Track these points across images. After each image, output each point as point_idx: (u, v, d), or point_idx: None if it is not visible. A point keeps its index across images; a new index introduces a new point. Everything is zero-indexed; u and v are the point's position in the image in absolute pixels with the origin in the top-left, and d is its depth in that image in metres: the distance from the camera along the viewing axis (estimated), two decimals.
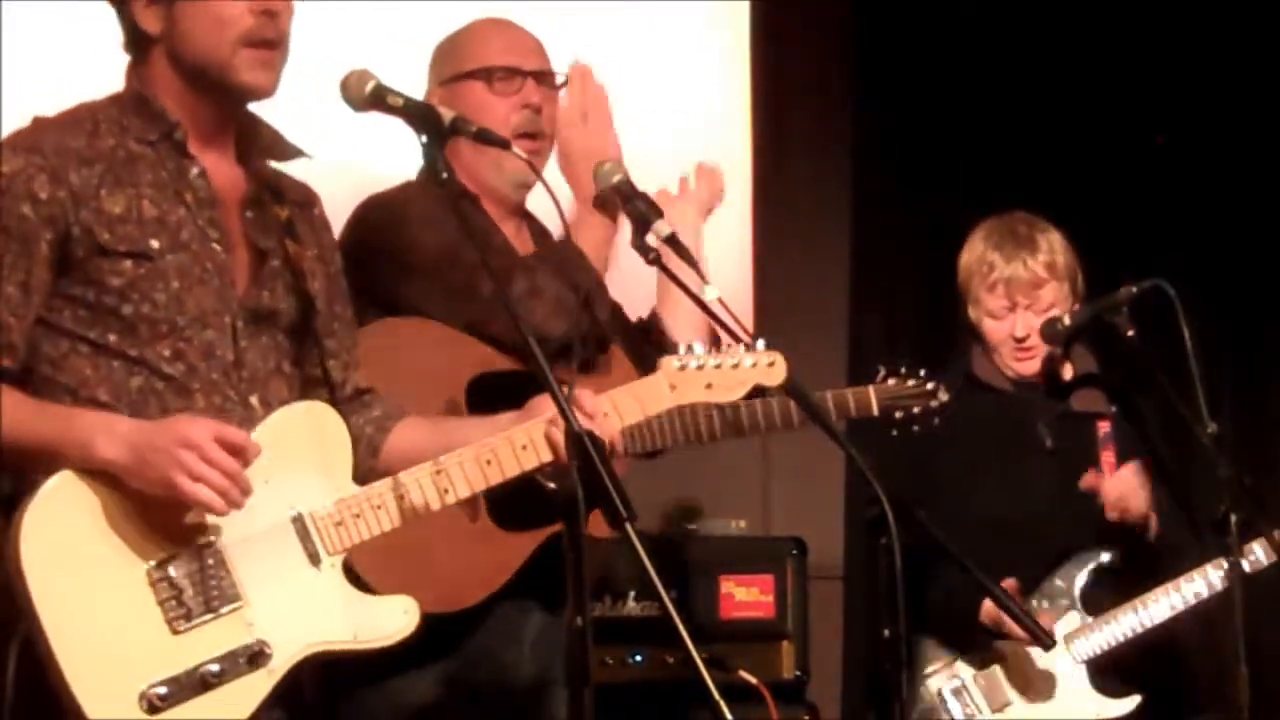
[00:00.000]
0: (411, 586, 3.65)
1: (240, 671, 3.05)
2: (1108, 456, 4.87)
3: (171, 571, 3.04)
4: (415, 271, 3.85)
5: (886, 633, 4.22)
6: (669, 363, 3.44)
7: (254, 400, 3.20)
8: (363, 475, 3.28)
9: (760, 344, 3.54)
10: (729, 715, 2.81)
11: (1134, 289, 4.68)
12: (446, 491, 3.23)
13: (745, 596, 5.30)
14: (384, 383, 3.69)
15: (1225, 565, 4.62)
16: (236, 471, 3.01)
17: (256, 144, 3.31)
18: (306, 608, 3.13)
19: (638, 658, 5.16)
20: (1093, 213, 6.61)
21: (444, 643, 3.82)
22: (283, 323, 3.27)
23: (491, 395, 3.83)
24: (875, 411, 4.17)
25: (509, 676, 3.90)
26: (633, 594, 5.13)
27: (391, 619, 3.20)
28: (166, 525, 3.05)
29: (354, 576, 3.22)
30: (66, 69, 5.23)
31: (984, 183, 6.24)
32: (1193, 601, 4.76)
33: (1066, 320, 4.80)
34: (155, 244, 3.13)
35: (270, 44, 3.18)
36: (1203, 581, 4.75)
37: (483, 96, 4.03)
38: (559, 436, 3.21)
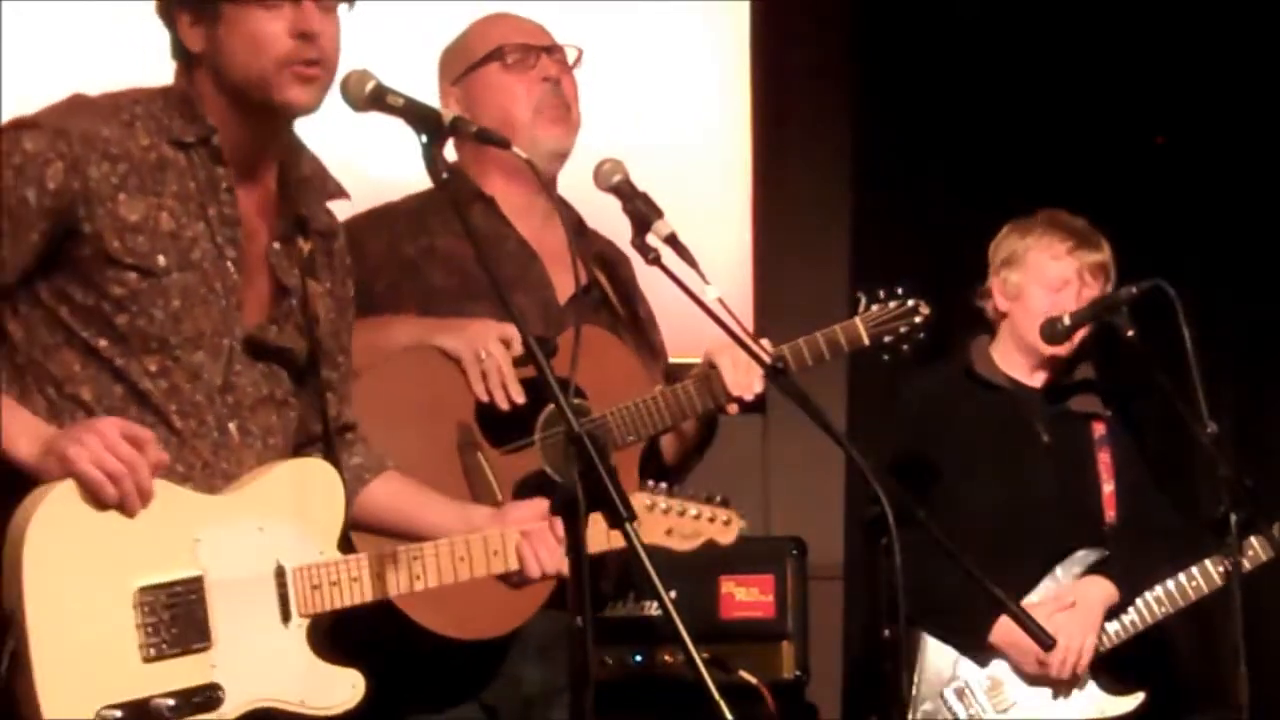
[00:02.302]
0: (443, 611, 3.66)
1: (191, 712, 3.02)
2: (1104, 457, 4.89)
3: (157, 597, 3.02)
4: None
5: (886, 633, 4.22)
6: (640, 499, 3.57)
7: (232, 427, 3.18)
8: None
9: (718, 499, 3.73)
10: (729, 715, 2.80)
11: (1134, 289, 4.69)
12: (418, 578, 3.27)
13: (745, 596, 5.30)
14: (394, 418, 3.71)
15: (1225, 563, 4.63)
16: (135, 461, 2.98)
17: (296, 175, 3.29)
18: (267, 662, 3.11)
19: (638, 658, 5.16)
20: (1092, 213, 6.60)
21: (461, 668, 3.82)
22: (286, 358, 3.26)
23: (501, 413, 3.83)
24: (866, 342, 4.13)
25: (520, 690, 3.89)
26: (633, 594, 5.12)
27: (339, 691, 3.19)
28: (162, 549, 3.04)
29: (319, 639, 3.20)
30: (66, 69, 5.23)
31: (984, 183, 6.24)
32: (1193, 597, 4.77)
33: (1067, 320, 4.82)
34: (163, 260, 3.10)
35: (309, 64, 3.16)
36: (1202, 578, 4.75)
37: (499, 79, 4.02)
38: (527, 552, 3.36)
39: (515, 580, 3.40)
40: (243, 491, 3.14)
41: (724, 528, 3.74)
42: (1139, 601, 4.76)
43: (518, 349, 3.82)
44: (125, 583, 3.01)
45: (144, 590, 3.01)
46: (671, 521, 3.66)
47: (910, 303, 4.17)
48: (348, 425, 3.43)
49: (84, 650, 2.96)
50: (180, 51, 3.22)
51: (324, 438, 3.33)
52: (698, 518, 3.69)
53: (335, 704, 3.18)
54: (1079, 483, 4.86)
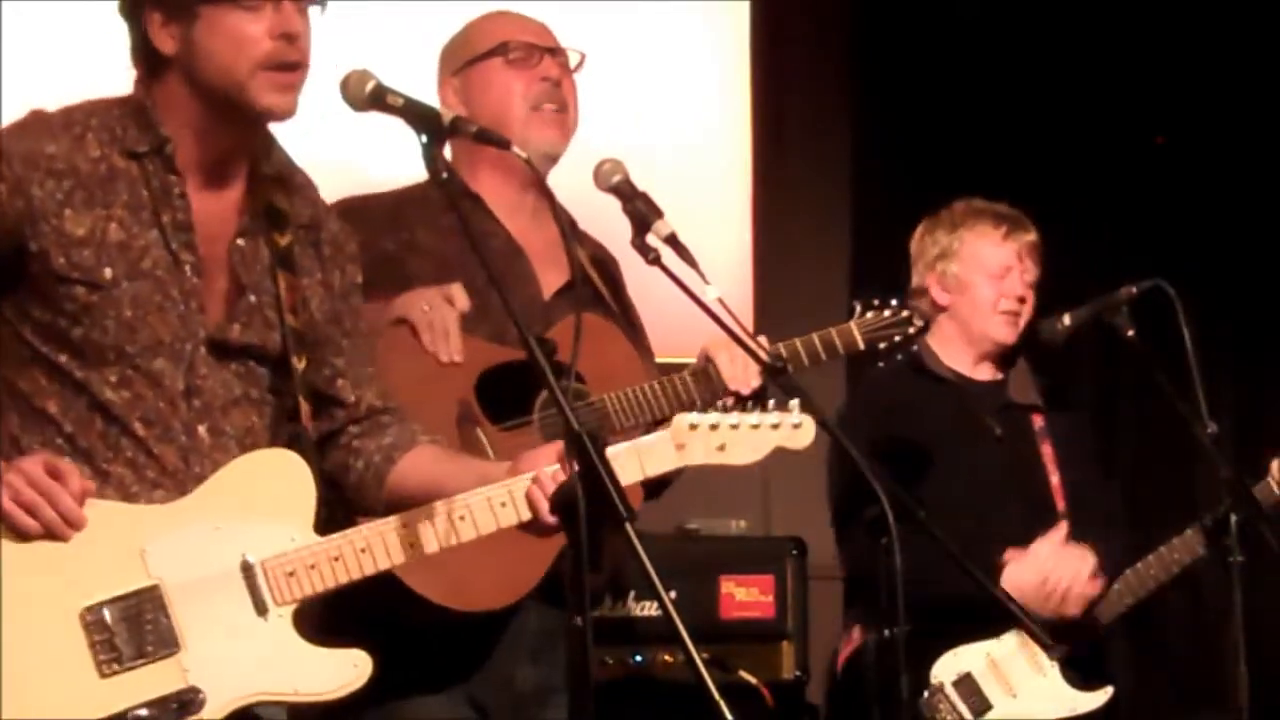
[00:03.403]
0: (444, 584, 3.65)
1: (169, 718, 3.02)
2: (1046, 449, 4.89)
3: (105, 614, 3.01)
4: None
5: (886, 632, 4.21)
6: (681, 420, 3.37)
7: (202, 430, 3.16)
8: (370, 507, 3.27)
9: (795, 404, 3.46)
10: (729, 715, 2.80)
11: (1134, 289, 4.69)
12: (413, 545, 3.20)
13: (745, 596, 5.30)
14: (394, 389, 3.70)
15: (1204, 534, 4.71)
16: (51, 491, 2.99)
17: (268, 170, 3.27)
18: (247, 657, 3.08)
19: (638, 658, 5.16)
20: (1093, 213, 6.63)
21: (452, 660, 3.82)
22: (256, 354, 3.23)
23: (501, 388, 3.84)
24: (861, 346, 4.16)
25: (512, 689, 3.89)
26: (633, 594, 5.13)
27: (339, 673, 3.15)
28: (106, 566, 3.03)
29: (315, 626, 3.17)
30: (66, 69, 5.23)
31: (984, 183, 6.23)
32: (1175, 571, 4.79)
33: (1066, 320, 4.81)
34: (109, 272, 3.09)
35: (290, 67, 3.14)
36: (1183, 549, 4.77)
37: (500, 74, 4.02)
38: (538, 496, 3.22)
39: (537, 529, 3.26)
40: (194, 495, 3.13)
41: (794, 431, 3.44)
42: (1121, 582, 4.77)
43: (462, 305, 3.81)
44: (69, 605, 3.01)
45: (90, 609, 3.01)
46: (724, 436, 3.39)
47: (905, 313, 4.20)
48: (374, 408, 3.40)
49: (36, 679, 2.95)
50: (145, 54, 3.18)
51: (345, 421, 3.33)
52: (757, 427, 3.41)
53: (334, 687, 3.14)
54: (1031, 474, 4.86)
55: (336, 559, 3.15)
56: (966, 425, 4.82)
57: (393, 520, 3.20)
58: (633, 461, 3.31)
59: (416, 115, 3.13)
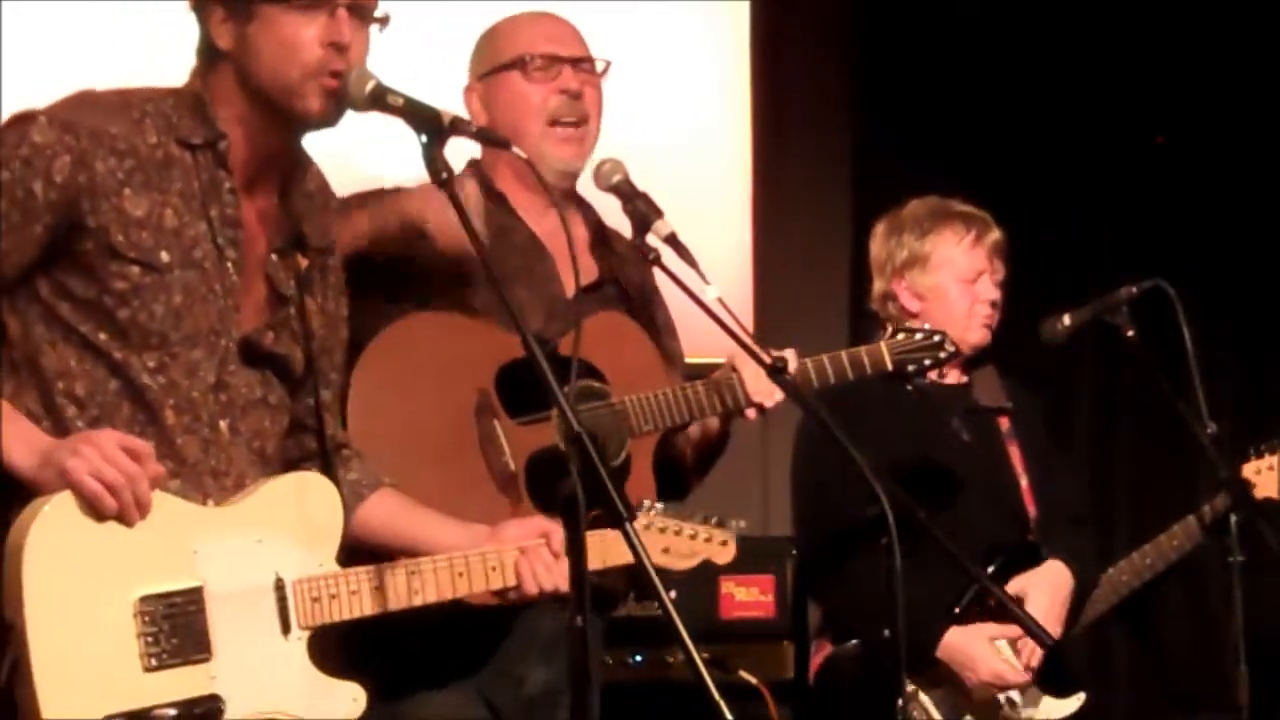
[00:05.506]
0: None
1: None
2: (1014, 451, 4.86)
3: (157, 608, 3.02)
4: None
5: (886, 633, 4.21)
6: (638, 520, 3.51)
7: (223, 425, 3.17)
8: None
9: (714, 520, 3.73)
10: (729, 715, 2.80)
11: (1134, 289, 4.68)
12: (416, 593, 3.28)
13: (745, 596, 5.30)
14: (412, 380, 3.71)
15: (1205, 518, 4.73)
16: (134, 474, 2.98)
17: (301, 189, 3.29)
18: (268, 673, 3.11)
19: (638, 658, 5.16)
20: (1093, 213, 6.63)
21: (464, 655, 3.82)
22: (280, 365, 3.26)
23: (521, 382, 3.82)
24: (890, 367, 4.13)
25: (522, 691, 3.89)
26: (633, 594, 5.12)
27: (340, 704, 3.19)
28: (161, 560, 3.04)
29: (321, 652, 3.20)
30: (67, 69, 5.23)
31: (984, 183, 6.24)
32: (1173, 558, 4.80)
33: (1066, 320, 4.80)
34: (166, 257, 3.10)
35: (338, 76, 3.14)
36: (1184, 534, 4.79)
37: (519, 86, 4.00)
38: (525, 569, 3.40)
39: (513, 597, 3.44)
40: (242, 504, 3.14)
41: (721, 548, 3.74)
42: (1105, 583, 4.78)
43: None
44: (125, 593, 3.00)
45: (144, 600, 3.01)
46: (668, 540, 3.66)
47: (937, 337, 4.18)
48: (342, 443, 3.45)
49: (85, 660, 2.95)
50: (206, 47, 3.21)
51: (321, 454, 3.35)
52: (694, 537, 3.70)
53: (336, 718, 3.18)
54: (1001, 479, 4.80)
55: (355, 593, 3.20)
56: (936, 431, 4.77)
57: (402, 565, 3.28)
58: (595, 552, 3.31)
59: (416, 115, 3.13)
